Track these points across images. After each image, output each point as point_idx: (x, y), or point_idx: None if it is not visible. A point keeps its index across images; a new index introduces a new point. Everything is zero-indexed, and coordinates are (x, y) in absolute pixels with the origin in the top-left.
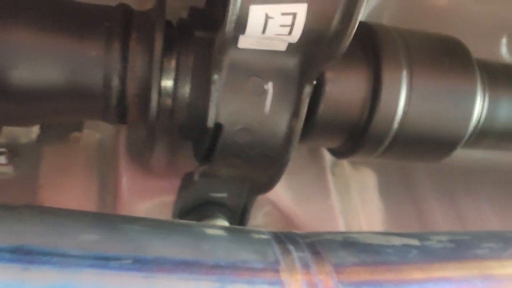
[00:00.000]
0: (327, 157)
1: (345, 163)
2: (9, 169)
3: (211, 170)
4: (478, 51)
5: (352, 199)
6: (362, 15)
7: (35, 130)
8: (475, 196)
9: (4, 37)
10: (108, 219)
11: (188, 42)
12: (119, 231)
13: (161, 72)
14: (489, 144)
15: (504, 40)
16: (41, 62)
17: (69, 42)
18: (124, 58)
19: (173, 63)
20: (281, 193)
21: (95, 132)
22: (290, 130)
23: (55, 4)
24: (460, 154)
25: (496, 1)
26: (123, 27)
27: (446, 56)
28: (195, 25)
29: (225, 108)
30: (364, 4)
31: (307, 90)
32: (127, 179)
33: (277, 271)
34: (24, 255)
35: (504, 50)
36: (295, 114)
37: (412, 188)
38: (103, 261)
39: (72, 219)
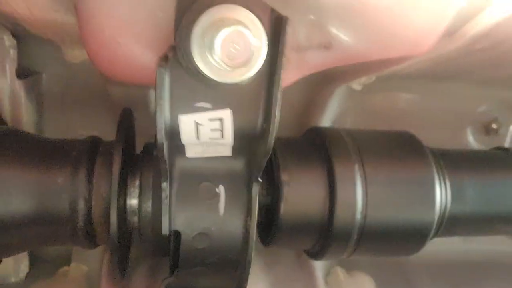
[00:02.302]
0: (318, 266)
1: (339, 270)
2: None
3: (178, 282)
4: (446, 142)
5: None
6: (325, 121)
7: (24, 269)
8: None
9: None
10: None
11: (149, 162)
12: None
13: (126, 192)
14: (464, 230)
15: (468, 130)
16: (9, 193)
17: (36, 172)
18: (89, 182)
19: (137, 182)
20: None
21: (82, 265)
22: (246, 229)
23: (26, 140)
24: (460, 248)
25: (452, 98)
26: (89, 154)
27: (396, 148)
28: None
29: (180, 215)
30: (279, 103)
31: (255, 188)
32: None
33: None
34: None
35: (471, 138)
36: (249, 213)
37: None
38: None
39: None
